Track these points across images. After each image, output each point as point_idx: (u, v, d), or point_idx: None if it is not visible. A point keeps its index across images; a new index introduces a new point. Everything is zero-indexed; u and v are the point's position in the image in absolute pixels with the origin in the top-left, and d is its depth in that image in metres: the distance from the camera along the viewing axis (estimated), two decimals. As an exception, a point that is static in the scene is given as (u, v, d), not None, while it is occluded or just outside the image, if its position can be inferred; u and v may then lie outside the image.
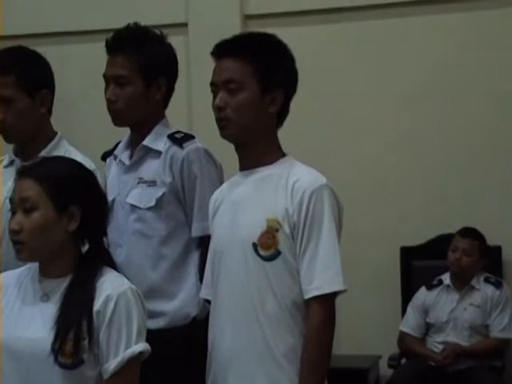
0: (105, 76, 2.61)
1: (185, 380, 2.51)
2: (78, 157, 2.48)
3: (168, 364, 2.46)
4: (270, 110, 2.17)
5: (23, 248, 2.00)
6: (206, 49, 4.33)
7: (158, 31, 2.65)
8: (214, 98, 2.17)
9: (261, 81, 2.14)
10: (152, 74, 2.57)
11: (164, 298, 2.54)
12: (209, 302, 2.33)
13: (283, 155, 2.22)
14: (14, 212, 2.03)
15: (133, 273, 2.28)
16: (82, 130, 4.16)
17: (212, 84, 2.19)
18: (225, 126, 2.16)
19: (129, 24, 2.65)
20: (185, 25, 4.49)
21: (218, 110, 2.16)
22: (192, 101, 4.41)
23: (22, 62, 2.63)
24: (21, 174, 2.06)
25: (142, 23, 2.66)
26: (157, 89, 2.60)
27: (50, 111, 2.71)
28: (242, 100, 2.13)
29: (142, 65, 2.56)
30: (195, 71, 4.30)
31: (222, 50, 2.18)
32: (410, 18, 4.32)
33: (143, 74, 2.56)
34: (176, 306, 2.55)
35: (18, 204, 2.02)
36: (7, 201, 2.60)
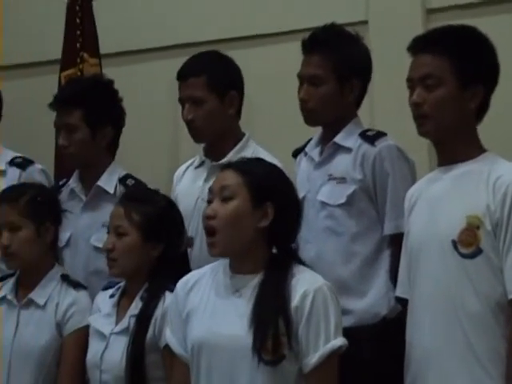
0: (299, 76, 2.63)
1: (373, 380, 2.48)
2: (267, 157, 2.51)
3: (355, 363, 2.42)
4: (471, 106, 2.12)
5: (214, 233, 2.04)
6: (387, 45, 4.23)
7: (353, 31, 2.65)
8: (411, 94, 2.14)
9: (460, 76, 2.09)
10: (346, 75, 2.58)
11: (353, 295, 2.52)
12: (401, 301, 2.30)
13: (483, 151, 2.16)
14: (209, 202, 2.09)
15: (323, 269, 2.28)
16: (266, 130, 4.21)
17: (408, 80, 2.16)
18: (423, 123, 2.12)
19: (325, 24, 2.66)
20: (365, 22, 4.44)
21: (415, 106, 2.13)
22: (374, 98, 4.33)
23: (212, 64, 2.72)
24: (224, 166, 2.14)
25: (324, 22, 2.66)
26: (350, 90, 2.60)
27: (238, 113, 2.77)
28: (440, 96, 2.09)
29: (337, 66, 2.56)
30: (377, 68, 4.23)
31: (418, 45, 2.15)
32: None
33: (338, 75, 2.57)
34: (365, 304, 2.52)
35: (217, 192, 2.08)
36: (199, 200, 2.71)
